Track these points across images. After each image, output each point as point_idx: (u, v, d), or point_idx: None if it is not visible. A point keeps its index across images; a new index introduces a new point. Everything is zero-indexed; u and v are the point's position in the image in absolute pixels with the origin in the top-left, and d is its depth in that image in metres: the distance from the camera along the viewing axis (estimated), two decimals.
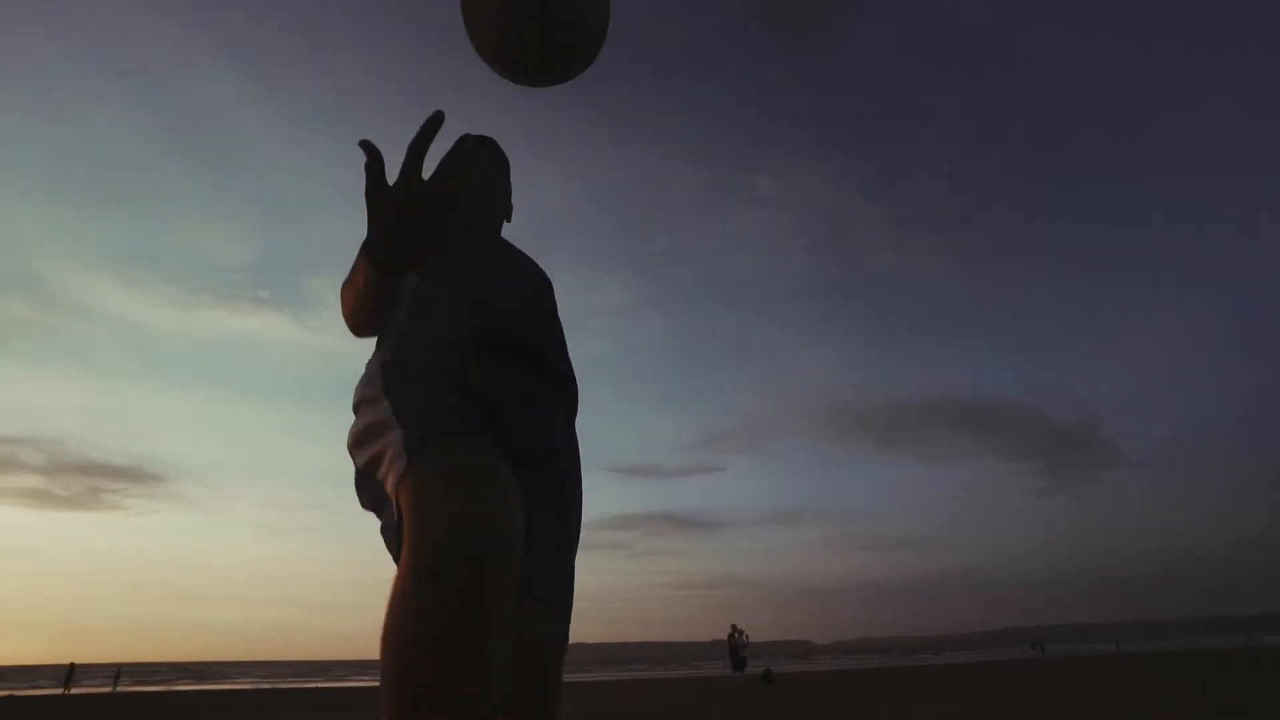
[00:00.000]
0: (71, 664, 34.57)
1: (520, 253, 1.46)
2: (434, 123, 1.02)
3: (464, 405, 1.09)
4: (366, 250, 1.04)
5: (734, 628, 18.85)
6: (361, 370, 1.25)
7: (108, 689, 32.74)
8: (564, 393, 1.34)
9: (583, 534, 1.38)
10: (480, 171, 1.17)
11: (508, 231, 1.60)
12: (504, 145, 1.63)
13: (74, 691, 30.32)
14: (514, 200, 1.59)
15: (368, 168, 1.03)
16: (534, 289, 1.38)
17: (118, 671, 45.66)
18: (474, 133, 1.56)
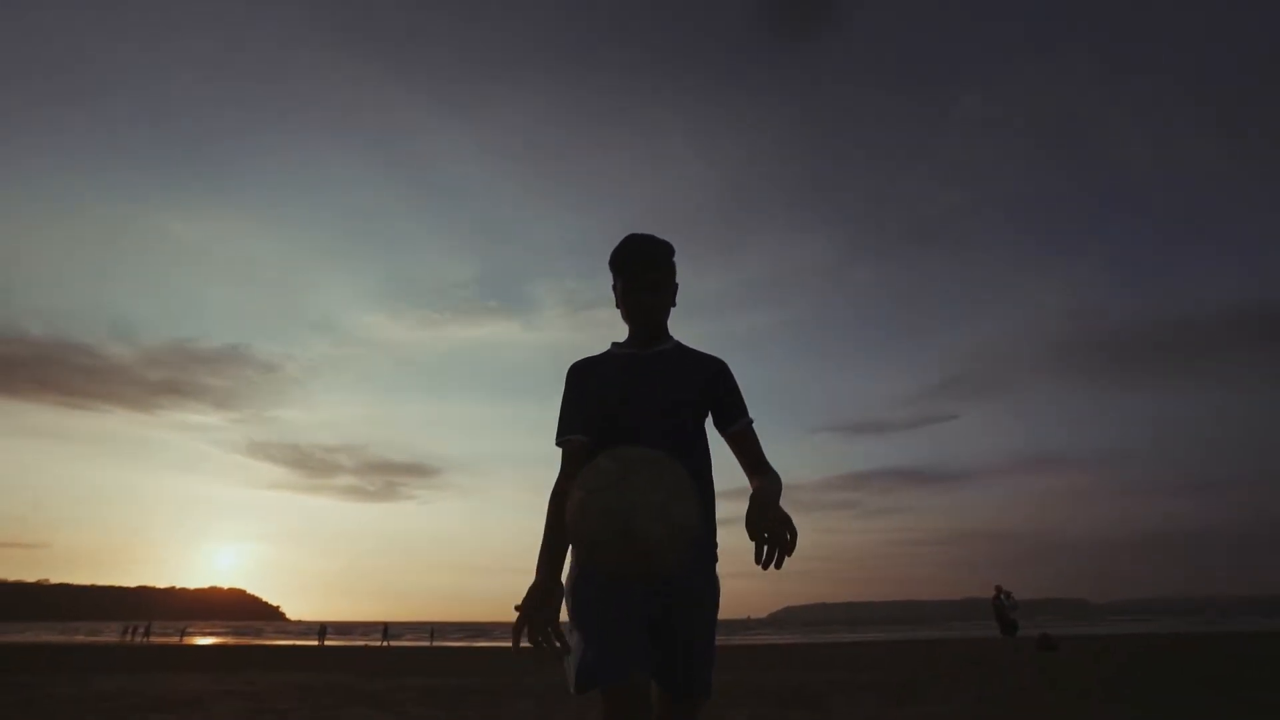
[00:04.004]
0: (385, 624, 41.97)
1: (651, 364, 1.64)
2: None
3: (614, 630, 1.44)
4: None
5: (998, 589, 17.23)
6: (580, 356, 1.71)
7: (425, 643, 39.01)
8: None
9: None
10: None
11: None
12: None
13: (391, 644, 36.54)
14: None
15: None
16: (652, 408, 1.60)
17: (431, 630, 54.24)
18: (639, 231, 1.69)
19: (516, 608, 1.35)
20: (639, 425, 1.56)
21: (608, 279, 1.71)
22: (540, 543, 1.48)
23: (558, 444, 1.61)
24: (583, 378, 1.65)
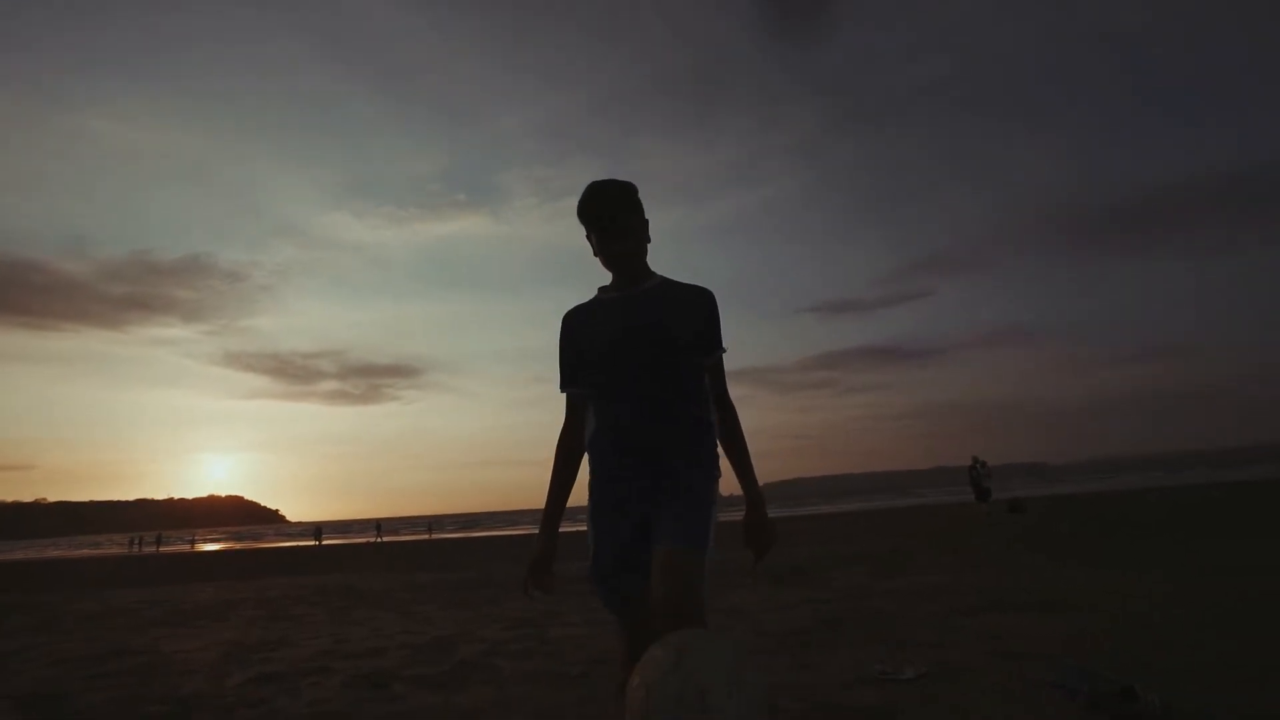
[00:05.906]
0: (378, 521, 43.90)
1: (635, 306, 1.65)
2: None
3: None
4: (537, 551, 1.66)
5: (975, 458, 18.12)
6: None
7: (424, 537, 40.72)
8: (658, 419, 1.59)
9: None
10: None
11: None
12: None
13: (386, 539, 38.16)
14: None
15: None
16: (624, 339, 1.62)
17: (429, 524, 56.52)
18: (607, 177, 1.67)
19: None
20: (638, 368, 1.59)
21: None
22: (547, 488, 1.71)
23: (561, 390, 1.71)
24: (575, 327, 1.70)
